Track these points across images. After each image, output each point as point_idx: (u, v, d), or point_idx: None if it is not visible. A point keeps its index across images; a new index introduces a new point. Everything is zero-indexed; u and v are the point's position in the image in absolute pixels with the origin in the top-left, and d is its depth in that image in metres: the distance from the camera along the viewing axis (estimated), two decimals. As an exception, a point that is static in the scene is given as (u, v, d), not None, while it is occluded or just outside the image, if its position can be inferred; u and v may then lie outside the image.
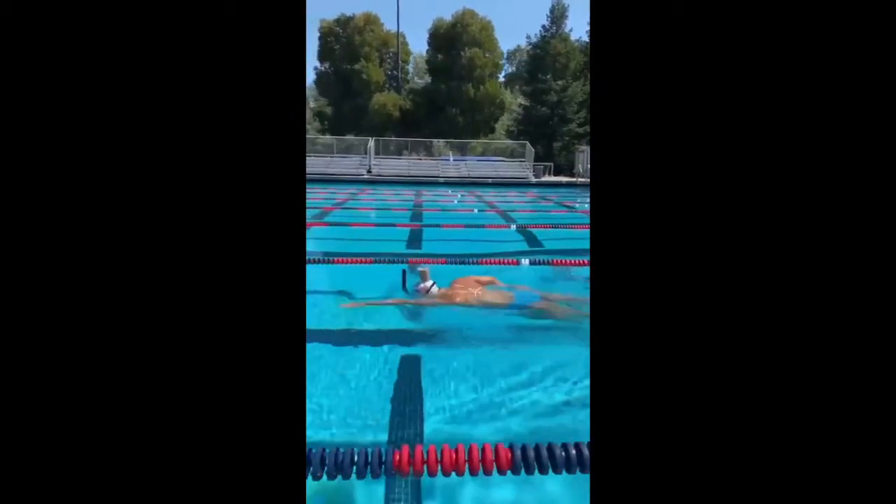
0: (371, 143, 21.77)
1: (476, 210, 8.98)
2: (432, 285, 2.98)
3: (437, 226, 6.99)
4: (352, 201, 10.50)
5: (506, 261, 4.20)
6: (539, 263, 4.05)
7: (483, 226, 7.11)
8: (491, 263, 4.12)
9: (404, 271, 3.18)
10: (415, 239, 5.96)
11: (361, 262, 3.96)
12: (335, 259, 4.02)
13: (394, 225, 7.04)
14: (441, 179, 18.90)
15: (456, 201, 10.74)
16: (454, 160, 22.80)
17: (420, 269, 3.08)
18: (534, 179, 20.39)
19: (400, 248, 5.29)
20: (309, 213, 8.12)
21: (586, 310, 2.50)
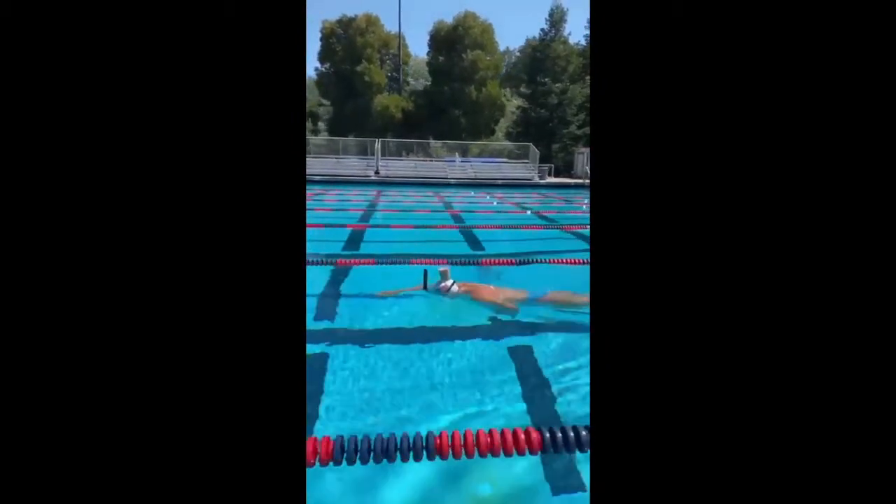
0: (378, 144, 21.89)
1: (529, 212, 9.18)
2: (452, 284, 3.16)
3: (511, 227, 7.13)
4: (384, 203, 10.68)
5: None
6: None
7: (565, 227, 7.27)
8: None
9: (426, 271, 3.31)
10: (473, 241, 6.16)
11: (409, 263, 4.11)
12: (388, 261, 4.20)
13: (461, 227, 7.24)
14: (453, 181, 19.12)
15: (495, 203, 10.98)
16: (460, 161, 23.07)
17: (441, 269, 3.23)
18: (538, 180, 20.74)
19: (464, 249, 5.48)
20: (352, 215, 8.31)
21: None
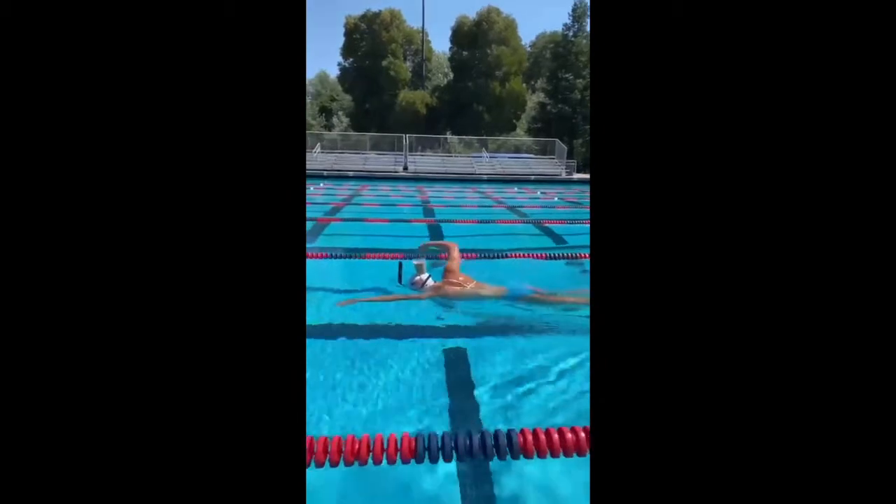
0: (406, 140, 21.89)
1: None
2: (427, 278, 3.07)
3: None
4: (453, 199, 10.71)
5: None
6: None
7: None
8: None
9: (401, 264, 3.23)
10: (556, 237, 6.17)
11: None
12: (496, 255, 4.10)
13: (534, 222, 7.27)
14: (485, 177, 19.12)
15: (556, 198, 10.99)
16: (489, 157, 23.06)
17: (416, 262, 3.14)
18: (566, 176, 20.70)
19: (546, 242, 5.48)
20: (417, 210, 8.33)
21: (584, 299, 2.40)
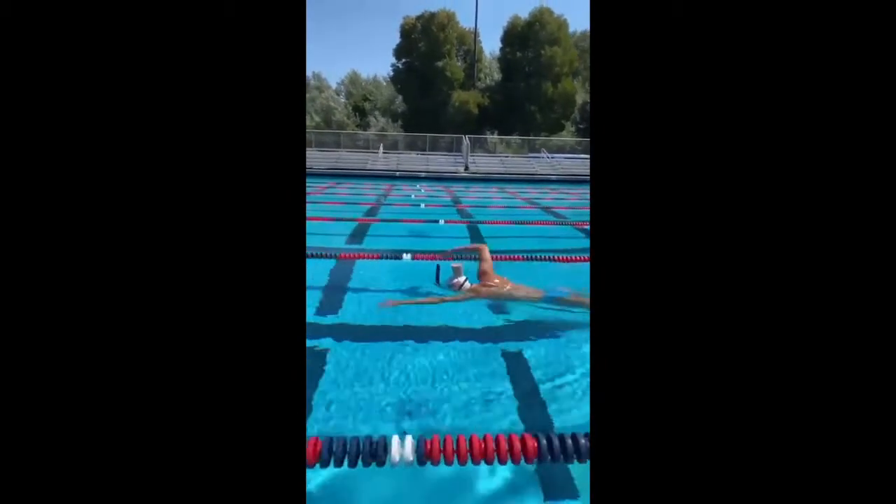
0: (465, 140, 22.14)
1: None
2: (465, 281, 3.11)
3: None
4: (560, 200, 10.94)
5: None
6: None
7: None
8: None
9: (438, 266, 3.26)
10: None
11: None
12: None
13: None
14: (554, 177, 19.28)
15: None
16: (548, 157, 23.22)
17: (454, 264, 3.19)
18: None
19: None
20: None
21: None
